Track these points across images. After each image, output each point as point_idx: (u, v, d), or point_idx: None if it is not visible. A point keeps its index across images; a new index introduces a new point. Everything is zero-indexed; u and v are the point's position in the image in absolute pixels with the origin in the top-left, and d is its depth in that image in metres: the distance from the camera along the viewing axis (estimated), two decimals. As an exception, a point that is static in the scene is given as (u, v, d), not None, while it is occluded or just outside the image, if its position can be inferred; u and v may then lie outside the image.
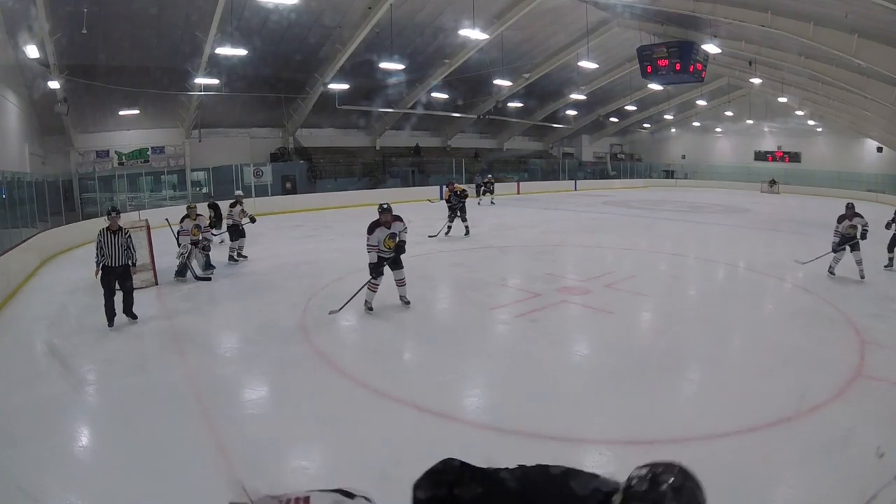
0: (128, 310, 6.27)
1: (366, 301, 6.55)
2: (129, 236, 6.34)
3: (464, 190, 12.79)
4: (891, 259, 8.78)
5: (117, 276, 6.18)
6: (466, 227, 12.53)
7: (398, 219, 6.44)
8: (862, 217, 8.04)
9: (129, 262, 6.28)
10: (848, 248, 8.06)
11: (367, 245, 6.31)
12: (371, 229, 6.29)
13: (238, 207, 9.95)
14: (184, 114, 18.91)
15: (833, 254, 8.25)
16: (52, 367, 5.20)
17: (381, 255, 6.38)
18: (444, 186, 17.46)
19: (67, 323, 6.58)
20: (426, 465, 1.04)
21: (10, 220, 9.48)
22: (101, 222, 6.58)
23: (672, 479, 0.92)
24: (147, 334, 6.05)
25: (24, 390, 4.55)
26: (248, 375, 4.93)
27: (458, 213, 12.42)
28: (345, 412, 4.12)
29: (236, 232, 9.89)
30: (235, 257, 9.85)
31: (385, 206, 6.37)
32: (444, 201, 12.47)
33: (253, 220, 10.24)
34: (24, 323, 6.48)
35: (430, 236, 12.17)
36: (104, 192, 16.67)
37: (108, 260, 6.10)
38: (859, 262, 8.03)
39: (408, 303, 6.75)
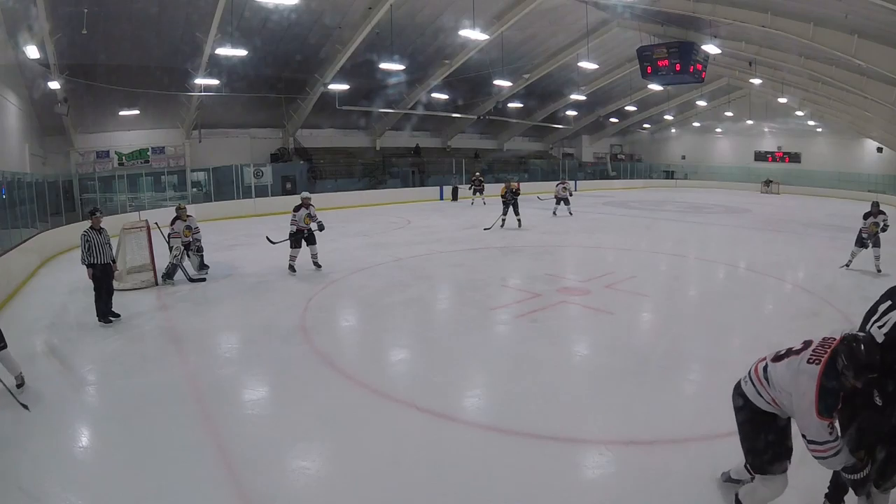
0: (109, 309, 6.35)
1: None
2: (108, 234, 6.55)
3: (518, 188, 14.02)
4: None
5: (102, 274, 6.30)
6: (519, 220, 13.79)
7: None
8: (885, 214, 8.79)
9: (111, 260, 6.48)
10: (870, 243, 8.71)
11: None
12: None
13: (302, 211, 8.84)
14: (184, 114, 18.93)
15: (853, 248, 8.89)
16: (52, 367, 5.20)
17: None
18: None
19: (67, 323, 6.58)
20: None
21: (10, 221, 9.48)
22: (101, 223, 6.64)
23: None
24: (147, 334, 6.06)
25: (25, 390, 4.55)
26: (248, 375, 4.93)
27: (513, 208, 13.68)
28: (345, 412, 4.13)
29: (297, 239, 8.81)
30: (294, 266, 8.80)
31: None
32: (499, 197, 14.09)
33: (321, 228, 9.04)
34: (24, 323, 6.47)
35: (485, 229, 13.37)
36: (104, 192, 16.69)
37: (95, 258, 6.25)
38: (878, 257, 8.71)
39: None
